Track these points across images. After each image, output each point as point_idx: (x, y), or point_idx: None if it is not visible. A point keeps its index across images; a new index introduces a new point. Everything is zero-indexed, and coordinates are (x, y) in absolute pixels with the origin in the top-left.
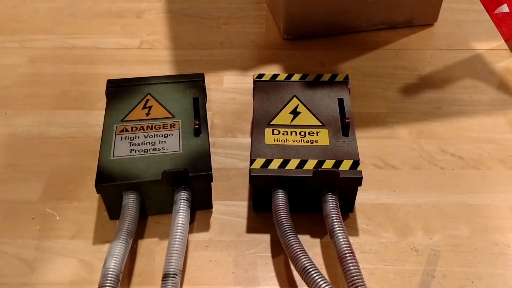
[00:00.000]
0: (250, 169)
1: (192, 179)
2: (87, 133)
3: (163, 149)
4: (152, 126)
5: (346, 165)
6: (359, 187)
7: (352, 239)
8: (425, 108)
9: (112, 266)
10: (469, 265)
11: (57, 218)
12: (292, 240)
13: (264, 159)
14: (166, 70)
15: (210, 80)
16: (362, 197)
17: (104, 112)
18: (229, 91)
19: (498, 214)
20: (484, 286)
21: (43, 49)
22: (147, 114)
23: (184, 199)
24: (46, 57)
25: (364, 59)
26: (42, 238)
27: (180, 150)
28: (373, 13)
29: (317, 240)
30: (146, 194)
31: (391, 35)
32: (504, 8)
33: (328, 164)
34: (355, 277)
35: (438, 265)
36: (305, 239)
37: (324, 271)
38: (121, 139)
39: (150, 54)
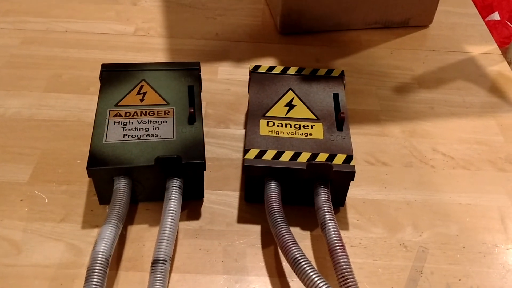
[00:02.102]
0: (243, 159)
1: (185, 167)
2: (78, 117)
3: (156, 135)
4: (146, 112)
5: (339, 159)
6: (350, 182)
7: (342, 233)
8: (418, 108)
9: (102, 250)
10: (456, 263)
11: (46, 200)
12: (284, 231)
13: (258, 150)
14: (160, 58)
15: (205, 71)
16: (353, 192)
17: (97, 96)
18: (223, 82)
19: (486, 214)
20: (471, 284)
21: (36, 31)
22: (141, 100)
23: (176, 187)
24: (38, 39)
25: (359, 56)
26: (30, 220)
27: (173, 137)
28: (369, 12)
29: (308, 233)
30: (138, 180)
31: (386, 34)
32: (496, 16)
33: (322, 157)
34: (345, 270)
35: (426, 262)
36: (295, 231)
37: (313, 264)
38: (114, 124)
39: (144, 41)
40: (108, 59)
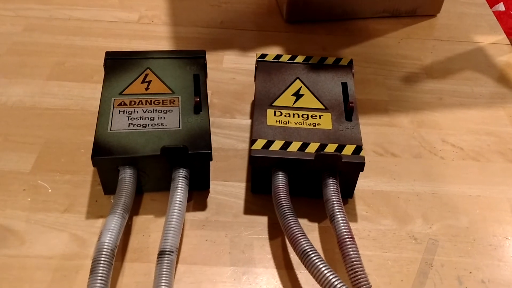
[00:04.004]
0: (250, 150)
1: (191, 157)
2: (82, 106)
3: (162, 125)
4: (151, 101)
5: (348, 149)
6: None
7: (351, 225)
8: (426, 98)
9: (107, 241)
10: (467, 256)
11: (49, 190)
12: (292, 223)
13: (265, 140)
14: (164, 46)
15: (210, 59)
16: (362, 183)
17: (100, 85)
18: (228, 71)
19: (497, 206)
20: (482, 277)
21: (39, 18)
22: (146, 89)
23: (182, 177)
24: (41, 26)
25: (366, 46)
26: (33, 210)
27: (179, 127)
28: (377, 1)
29: (315, 225)
30: (143, 170)
31: (394, 23)
32: (500, 7)
33: (331, 148)
34: (355, 263)
35: (437, 254)
36: (303, 223)
37: (322, 256)
38: (119, 113)
39: (148, 29)
40: (112, 47)
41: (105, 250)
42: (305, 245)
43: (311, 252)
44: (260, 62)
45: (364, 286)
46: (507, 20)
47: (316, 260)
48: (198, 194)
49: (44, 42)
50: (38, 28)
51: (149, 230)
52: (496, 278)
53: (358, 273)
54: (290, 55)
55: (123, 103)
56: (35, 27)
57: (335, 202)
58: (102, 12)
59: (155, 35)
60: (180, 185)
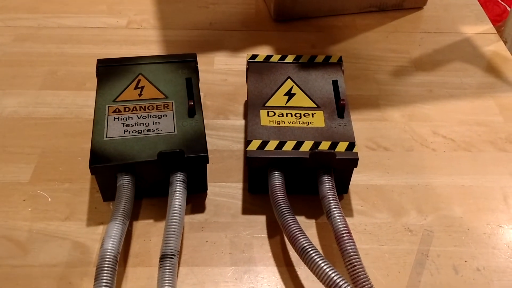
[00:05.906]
0: (246, 151)
1: (188, 160)
2: (76, 113)
3: (157, 130)
4: (145, 106)
5: (342, 146)
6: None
7: (347, 220)
8: (416, 91)
9: (110, 247)
10: (462, 245)
11: (49, 199)
12: (290, 221)
13: (260, 141)
14: (154, 50)
15: (200, 61)
16: (356, 178)
17: (93, 92)
18: (220, 72)
19: (489, 195)
20: (477, 265)
21: (28, 27)
22: (140, 95)
23: (180, 181)
24: (31, 36)
25: (354, 41)
26: (35, 220)
27: (174, 131)
28: None
29: (313, 221)
30: (141, 175)
31: (381, 17)
32: None
33: (324, 146)
34: (353, 257)
35: (432, 245)
36: (300, 220)
37: (320, 251)
38: (114, 120)
39: (138, 34)
40: (103, 53)
41: (108, 256)
42: (304, 242)
43: (310, 249)
44: (251, 63)
45: (363, 280)
46: (492, 8)
47: (315, 256)
48: (196, 197)
49: (35, 52)
50: (28, 37)
51: (150, 234)
52: (491, 266)
53: (357, 267)
54: (280, 55)
55: (117, 110)
56: (25, 36)
57: (331, 199)
58: (90, 19)
59: (144, 40)
60: (178, 189)
